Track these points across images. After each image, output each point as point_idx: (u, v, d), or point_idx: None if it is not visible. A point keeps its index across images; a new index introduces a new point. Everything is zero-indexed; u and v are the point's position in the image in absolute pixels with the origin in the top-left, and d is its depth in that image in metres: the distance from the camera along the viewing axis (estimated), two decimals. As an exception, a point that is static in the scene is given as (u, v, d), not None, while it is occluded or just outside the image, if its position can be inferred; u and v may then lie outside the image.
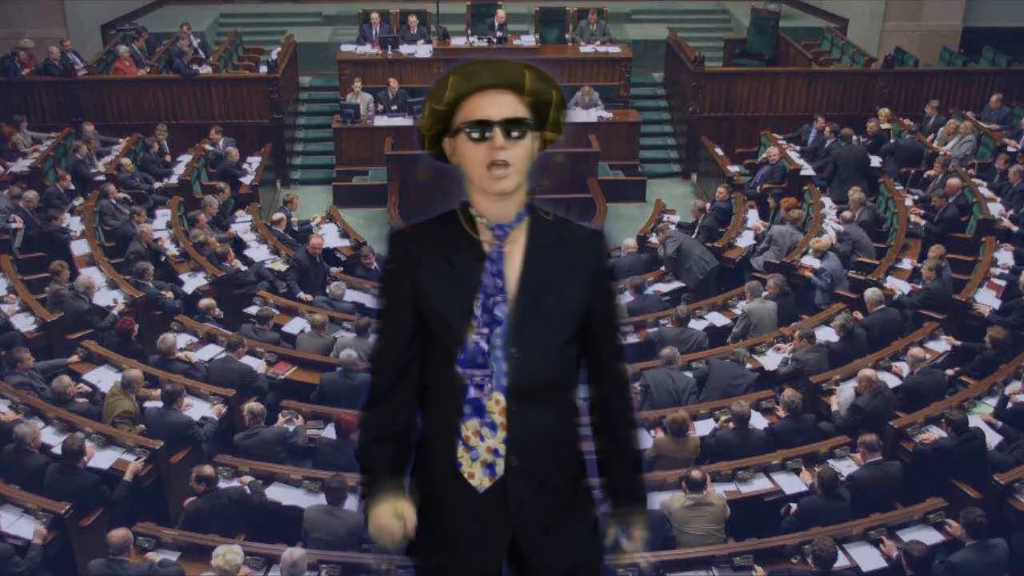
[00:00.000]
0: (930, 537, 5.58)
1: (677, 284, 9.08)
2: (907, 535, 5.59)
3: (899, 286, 8.58)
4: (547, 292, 1.83)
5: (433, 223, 1.92)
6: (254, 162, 11.57)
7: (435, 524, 1.95)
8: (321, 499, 5.77)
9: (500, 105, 1.78)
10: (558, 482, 1.94)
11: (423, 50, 12.91)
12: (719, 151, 11.86)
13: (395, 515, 1.93)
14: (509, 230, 1.84)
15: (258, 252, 9.54)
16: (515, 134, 1.78)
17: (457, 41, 13.11)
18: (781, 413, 6.75)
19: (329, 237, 9.85)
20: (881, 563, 5.47)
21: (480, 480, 1.88)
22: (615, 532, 2.04)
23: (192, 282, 8.74)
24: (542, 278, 1.84)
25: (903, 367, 7.28)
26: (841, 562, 5.34)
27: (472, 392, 1.85)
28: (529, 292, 1.83)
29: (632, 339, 8.03)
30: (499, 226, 1.83)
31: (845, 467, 6.17)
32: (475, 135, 1.78)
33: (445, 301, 1.86)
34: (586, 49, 13.06)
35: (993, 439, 6.45)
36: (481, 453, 1.88)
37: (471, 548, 1.94)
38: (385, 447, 1.97)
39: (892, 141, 11.52)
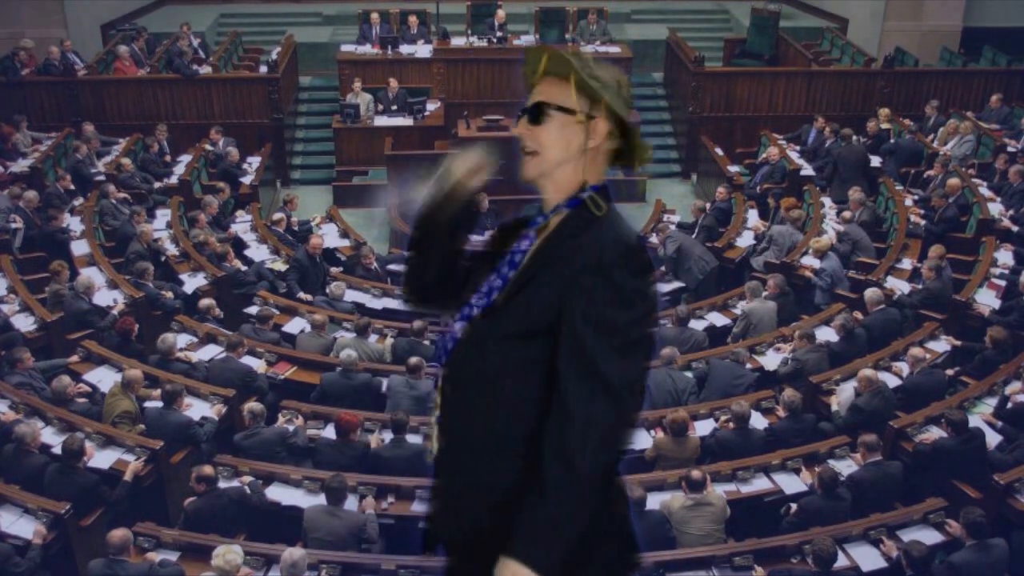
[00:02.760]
0: (930, 537, 5.59)
1: (677, 284, 9.08)
2: (907, 535, 5.59)
3: (899, 286, 8.58)
4: (529, 285, 1.75)
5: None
6: (254, 162, 11.58)
7: None
8: (321, 499, 5.77)
9: (539, 92, 1.79)
10: (474, 495, 1.78)
11: (423, 50, 12.91)
12: (719, 151, 11.87)
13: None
14: (542, 221, 1.81)
15: (258, 252, 9.55)
16: (539, 120, 1.77)
17: (457, 41, 13.10)
18: (781, 413, 6.75)
19: (329, 237, 9.86)
20: (881, 563, 5.48)
21: (433, 447, 1.86)
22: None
23: (192, 282, 8.73)
24: (534, 271, 1.76)
25: (903, 367, 7.28)
26: (841, 562, 5.35)
27: (440, 360, 1.85)
28: (518, 283, 1.77)
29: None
30: (541, 214, 1.82)
31: (845, 467, 6.17)
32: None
33: (477, 269, 1.86)
34: (586, 49, 13.04)
35: (993, 439, 6.45)
36: (433, 422, 1.87)
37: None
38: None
39: (892, 141, 11.52)
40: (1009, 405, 6.70)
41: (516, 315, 1.73)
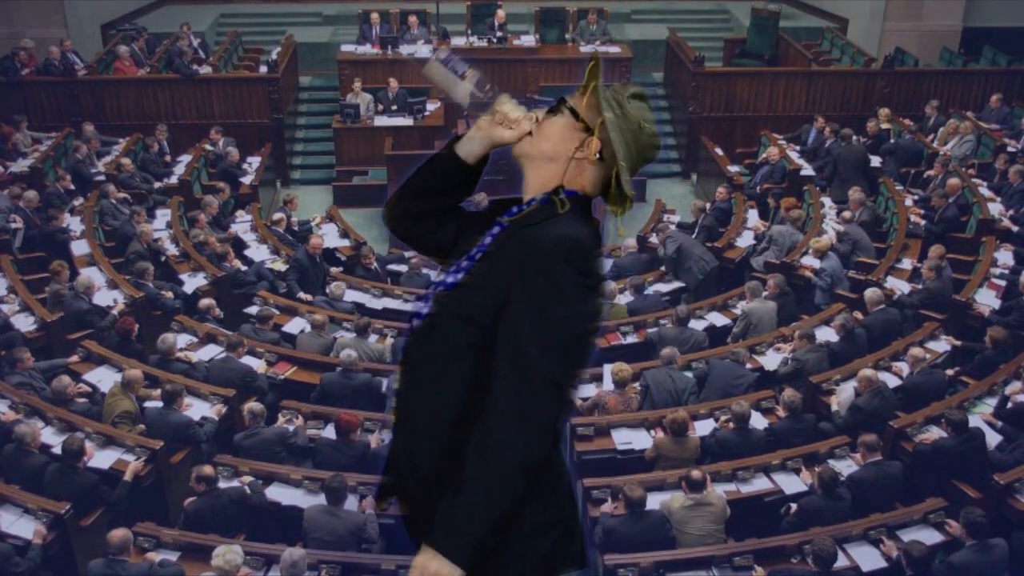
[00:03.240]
0: (930, 537, 5.59)
1: (677, 284, 9.07)
2: (907, 535, 5.59)
3: (899, 286, 8.58)
4: (480, 270, 1.79)
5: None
6: (254, 162, 11.57)
7: None
8: (321, 499, 5.77)
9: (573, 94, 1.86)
10: (411, 467, 1.85)
11: (423, 50, 12.89)
12: (719, 151, 11.86)
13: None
14: (515, 213, 1.83)
15: (258, 252, 9.54)
16: (555, 112, 1.84)
17: (457, 41, 13.09)
18: (781, 413, 6.75)
19: (329, 237, 9.85)
20: (881, 563, 5.48)
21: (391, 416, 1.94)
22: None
23: (192, 282, 8.73)
24: (488, 258, 1.79)
25: (903, 367, 7.28)
26: (841, 562, 5.35)
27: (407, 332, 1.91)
28: (475, 267, 1.81)
29: (632, 339, 8.04)
30: (518, 204, 1.84)
31: (845, 467, 6.17)
32: None
33: (458, 248, 1.89)
34: (586, 49, 13.04)
35: (993, 439, 6.45)
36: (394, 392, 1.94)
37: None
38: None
39: (892, 141, 11.52)
40: (1009, 405, 6.70)
41: (466, 297, 1.78)
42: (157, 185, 10.79)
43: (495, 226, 1.83)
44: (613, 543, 5.55)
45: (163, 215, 9.97)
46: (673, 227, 9.81)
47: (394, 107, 12.13)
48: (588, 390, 7.16)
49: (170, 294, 8.50)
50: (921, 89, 12.54)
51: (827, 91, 12.51)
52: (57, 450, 6.09)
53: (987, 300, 8.30)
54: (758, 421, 6.71)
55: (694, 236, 9.72)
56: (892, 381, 7.09)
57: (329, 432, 6.57)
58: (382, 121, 12.02)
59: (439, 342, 1.80)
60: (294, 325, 8.21)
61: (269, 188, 11.87)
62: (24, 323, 7.73)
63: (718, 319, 8.45)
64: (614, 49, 13.08)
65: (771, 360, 7.61)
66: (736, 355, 7.36)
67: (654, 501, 5.81)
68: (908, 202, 10.22)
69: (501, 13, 13.11)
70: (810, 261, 8.95)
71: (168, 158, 11.48)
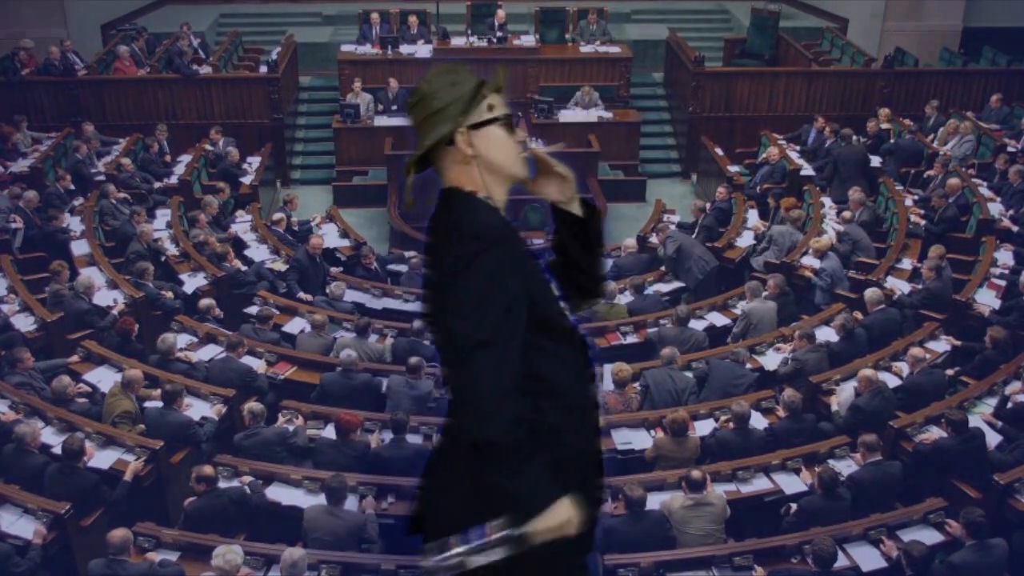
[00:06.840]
0: (930, 537, 5.59)
1: (677, 284, 9.08)
2: (907, 535, 5.59)
3: (899, 286, 8.58)
4: None
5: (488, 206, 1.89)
6: (254, 162, 11.58)
7: None
8: (321, 499, 5.77)
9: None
10: None
11: (423, 50, 12.90)
12: (719, 151, 11.87)
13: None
14: None
15: (258, 252, 9.54)
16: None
17: (457, 41, 13.11)
18: (781, 413, 6.75)
19: (329, 237, 9.86)
20: (881, 563, 5.48)
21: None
22: None
23: (192, 282, 8.73)
24: None
25: (903, 367, 7.28)
26: (841, 562, 5.35)
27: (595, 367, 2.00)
28: None
29: (632, 339, 8.04)
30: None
31: (845, 467, 6.17)
32: (509, 126, 1.93)
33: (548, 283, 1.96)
34: (586, 49, 13.06)
35: (993, 439, 6.45)
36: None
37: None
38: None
39: (892, 141, 11.52)
40: (1009, 405, 6.70)
41: None
42: (157, 185, 10.79)
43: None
44: (613, 543, 5.55)
45: (163, 215, 9.97)
46: (673, 227, 9.81)
47: (394, 107, 12.13)
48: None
49: (170, 294, 8.50)
50: (921, 89, 12.55)
51: (827, 91, 12.52)
52: (57, 450, 6.09)
53: (987, 300, 8.29)
54: (758, 421, 6.71)
55: (694, 236, 9.72)
56: (892, 381, 7.09)
57: (329, 432, 6.57)
58: (382, 121, 12.03)
59: None
60: (294, 325, 8.21)
61: (269, 188, 11.88)
62: (24, 323, 7.72)
63: (718, 319, 8.45)
64: (614, 49, 13.08)
65: (771, 360, 7.62)
66: (736, 355, 7.36)
67: (654, 501, 5.81)
68: (908, 202, 10.22)
69: (501, 13, 13.11)
70: (810, 261, 8.95)
71: (168, 158, 11.48)
